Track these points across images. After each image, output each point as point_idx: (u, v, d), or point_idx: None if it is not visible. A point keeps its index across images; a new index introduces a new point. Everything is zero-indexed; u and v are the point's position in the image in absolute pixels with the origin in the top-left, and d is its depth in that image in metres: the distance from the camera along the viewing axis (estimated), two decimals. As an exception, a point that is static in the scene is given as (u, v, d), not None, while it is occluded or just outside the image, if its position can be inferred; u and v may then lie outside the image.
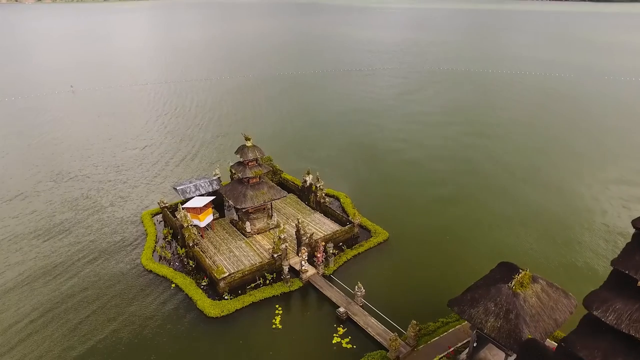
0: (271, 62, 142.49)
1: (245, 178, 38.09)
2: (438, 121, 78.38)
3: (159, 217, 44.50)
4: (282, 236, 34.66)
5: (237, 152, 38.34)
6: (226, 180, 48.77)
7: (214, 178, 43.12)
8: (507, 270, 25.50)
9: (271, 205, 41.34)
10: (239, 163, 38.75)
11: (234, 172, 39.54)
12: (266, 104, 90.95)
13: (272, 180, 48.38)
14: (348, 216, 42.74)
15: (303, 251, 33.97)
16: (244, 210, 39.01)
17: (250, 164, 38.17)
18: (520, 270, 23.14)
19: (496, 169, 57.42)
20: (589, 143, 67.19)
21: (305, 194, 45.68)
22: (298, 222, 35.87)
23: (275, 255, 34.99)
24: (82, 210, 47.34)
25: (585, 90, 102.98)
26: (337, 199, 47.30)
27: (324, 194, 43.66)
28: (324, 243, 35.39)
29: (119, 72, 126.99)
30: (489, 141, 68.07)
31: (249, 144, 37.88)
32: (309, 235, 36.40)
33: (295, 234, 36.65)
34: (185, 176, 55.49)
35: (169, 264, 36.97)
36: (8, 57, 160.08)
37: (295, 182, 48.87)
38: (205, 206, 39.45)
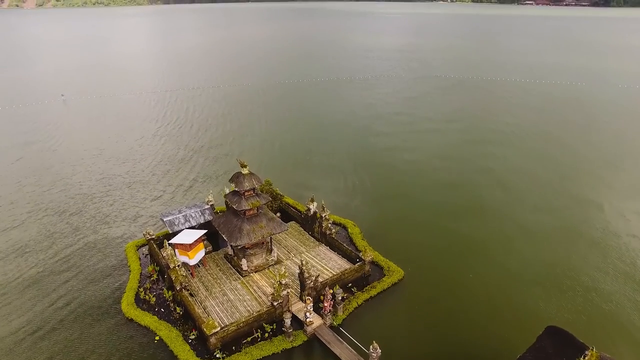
0: (271, 69, 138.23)
1: (241, 211, 33.37)
2: (449, 134, 73.59)
3: (146, 248, 39.81)
4: (284, 281, 29.87)
5: (231, 181, 33.65)
6: (222, 204, 44.12)
7: (206, 207, 38.39)
8: (560, 342, 20.71)
9: (270, 239, 36.58)
10: (234, 193, 34.04)
11: (228, 202, 34.81)
12: (266, 115, 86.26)
13: (272, 206, 43.69)
14: (357, 250, 38.01)
15: (308, 301, 29.14)
16: (240, 247, 34.26)
17: (246, 193, 33.46)
18: (586, 352, 18.32)
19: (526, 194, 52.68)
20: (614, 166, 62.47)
21: (309, 223, 40.93)
22: (302, 263, 31.07)
23: (275, 303, 30.18)
24: (60, 238, 42.53)
25: (601, 99, 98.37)
26: (344, 227, 42.51)
27: (329, 225, 38.89)
28: (331, 291, 30.59)
29: (114, 80, 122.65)
30: (505, 160, 63.38)
31: (245, 171, 33.18)
32: (313, 278, 31.62)
33: (299, 277, 31.85)
34: (178, 197, 50.78)
35: (153, 311, 32.13)
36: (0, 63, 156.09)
37: (298, 208, 44.14)
38: (196, 241, 34.70)
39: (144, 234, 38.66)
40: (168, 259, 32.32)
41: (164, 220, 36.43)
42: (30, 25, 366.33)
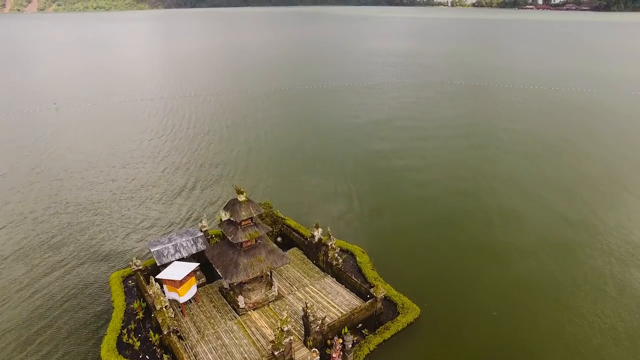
0: (272, 75, 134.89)
1: (238, 243, 29.55)
2: (459, 144, 69.81)
3: (134, 278, 35.96)
4: (286, 328, 25.99)
5: (226, 209, 29.86)
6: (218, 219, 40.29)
7: (199, 234, 34.55)
8: None
9: (271, 272, 32.72)
10: (230, 222, 30.23)
11: (223, 232, 30.98)
12: (266, 125, 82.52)
13: (272, 230, 39.87)
14: (367, 282, 34.11)
15: (314, 354, 25.25)
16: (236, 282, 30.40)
17: (243, 223, 29.66)
18: None
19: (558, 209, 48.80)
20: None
21: (313, 251, 37.07)
22: (306, 305, 27.19)
23: (276, 353, 26.27)
24: (38, 266, 38.68)
25: (615, 108, 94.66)
26: (352, 255, 38.59)
27: (336, 254, 35.02)
28: (340, 340, 26.69)
29: (110, 86, 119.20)
30: (521, 172, 59.53)
31: (241, 198, 29.38)
32: (319, 322, 27.73)
33: (303, 320, 27.98)
34: (172, 215, 46.95)
35: (137, 358, 28.21)
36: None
37: (301, 232, 40.24)
38: (188, 276, 30.82)
39: (129, 264, 34.81)
40: (154, 298, 28.48)
41: (152, 250, 32.59)
42: (30, 30, 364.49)
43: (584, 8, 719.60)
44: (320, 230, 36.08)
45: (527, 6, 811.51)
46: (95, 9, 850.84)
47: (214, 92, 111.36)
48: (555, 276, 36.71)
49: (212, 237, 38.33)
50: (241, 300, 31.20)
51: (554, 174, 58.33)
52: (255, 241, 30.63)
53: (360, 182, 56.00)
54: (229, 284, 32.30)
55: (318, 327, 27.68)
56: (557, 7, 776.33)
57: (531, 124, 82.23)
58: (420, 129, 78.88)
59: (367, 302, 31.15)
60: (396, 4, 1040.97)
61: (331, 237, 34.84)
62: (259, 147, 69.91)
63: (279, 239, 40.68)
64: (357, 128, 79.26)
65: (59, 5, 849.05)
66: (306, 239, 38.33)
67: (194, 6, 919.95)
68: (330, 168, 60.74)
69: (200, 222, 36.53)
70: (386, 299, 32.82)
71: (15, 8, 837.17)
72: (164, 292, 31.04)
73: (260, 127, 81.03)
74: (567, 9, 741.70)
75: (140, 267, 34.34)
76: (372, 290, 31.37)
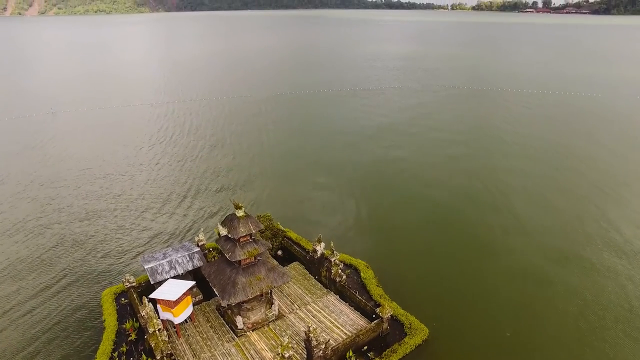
0: (272, 79, 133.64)
1: (236, 261, 27.89)
2: (465, 150, 68.19)
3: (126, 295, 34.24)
4: (287, 354, 24.26)
5: (223, 225, 28.20)
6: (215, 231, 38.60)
7: (195, 249, 32.86)
8: None
9: (271, 291, 31.01)
10: (228, 239, 28.57)
11: (220, 249, 29.30)
12: (266, 131, 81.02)
13: (272, 244, 38.21)
14: (372, 300, 32.37)
15: (317, 384, 23.56)
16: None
17: (242, 239, 28.01)
18: None
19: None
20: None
21: (316, 266, 35.38)
22: (308, 329, 25.48)
23: (276, 381, 24.56)
24: (28, 282, 36.99)
25: (622, 111, 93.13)
26: (356, 270, 36.86)
27: (339, 271, 33.32)
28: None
29: (109, 91, 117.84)
30: (532, 179, 57.85)
31: (240, 213, 27.74)
32: (323, 346, 26.02)
33: (305, 344, 26.28)
34: (170, 227, 45.27)
35: (128, 384, 26.53)
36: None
37: (302, 245, 38.53)
38: (183, 295, 29.14)
39: (122, 281, 33.12)
40: (147, 320, 26.79)
41: (145, 268, 30.90)
42: (30, 33, 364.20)
43: (583, 11, 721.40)
44: (322, 244, 34.41)
45: (527, 9, 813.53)
46: (95, 12, 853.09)
47: (214, 96, 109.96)
48: (577, 294, 34.84)
49: (209, 251, 36.71)
50: (239, 321, 29.50)
51: (569, 183, 56.55)
52: (255, 258, 28.96)
53: (363, 191, 54.28)
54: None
55: (321, 351, 25.97)
56: (557, 10, 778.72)
57: (540, 129, 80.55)
58: (424, 135, 77.23)
59: (373, 323, 29.42)
60: (396, 7, 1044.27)
61: (334, 252, 33.17)
62: (260, 155, 68.30)
63: (279, 252, 39.02)
64: (360, 134, 77.66)
65: (59, 8, 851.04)
66: (308, 252, 36.67)
67: (194, 9, 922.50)
68: (333, 176, 59.06)
69: (197, 236, 34.93)
70: (392, 318, 31.09)
71: (16, 11, 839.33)
72: (157, 312, 29.39)
73: (261, 133, 79.46)
74: (567, 12, 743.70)
75: (133, 284, 32.71)
76: (378, 310, 29.63)
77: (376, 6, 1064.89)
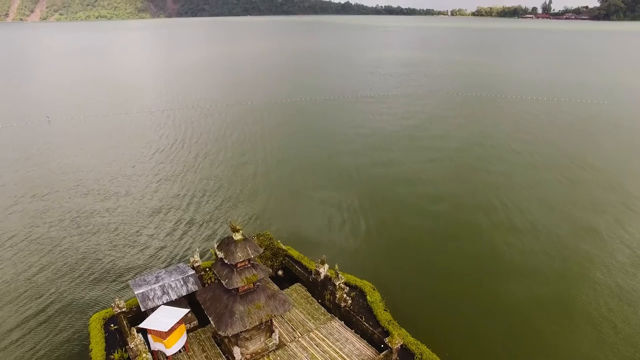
0: (272, 86, 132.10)
1: (233, 289, 25.71)
2: (473, 163, 66.14)
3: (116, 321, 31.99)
4: (288, 396, 22.01)
5: (220, 249, 26.05)
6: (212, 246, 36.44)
7: (190, 272, 30.68)
8: None
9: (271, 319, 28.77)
10: (224, 264, 26.41)
11: (216, 274, 27.11)
12: (266, 140, 79.08)
13: (272, 264, 36.03)
14: (379, 326, 30.09)
15: None
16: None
17: (240, 265, 25.85)
18: None
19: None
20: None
21: (319, 288, 33.17)
22: (312, 366, 23.27)
23: None
24: (15, 305, 34.79)
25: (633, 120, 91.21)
26: (362, 292, 34.53)
27: (344, 295, 31.10)
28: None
29: (107, 98, 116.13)
30: (544, 191, 55.66)
31: (237, 236, 25.59)
32: (328, 384, 23.77)
33: (308, 381, 24.04)
34: (169, 245, 43.07)
35: None
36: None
37: (304, 264, 36.30)
38: (177, 323, 26.93)
39: (112, 306, 30.88)
40: (136, 354, 24.56)
41: (136, 293, 28.72)
42: (30, 40, 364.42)
43: (583, 17, 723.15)
44: (326, 266, 32.23)
45: (527, 15, 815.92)
46: (97, 18, 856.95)
47: (214, 103, 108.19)
48: (605, 323, 32.53)
49: (205, 271, 34.48)
50: (237, 352, 27.22)
51: (588, 196, 54.33)
52: (253, 285, 26.79)
53: (368, 206, 51.90)
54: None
55: (326, 390, 23.71)
56: (556, 16, 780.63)
57: (552, 138, 78.37)
58: (430, 145, 74.69)
59: (381, 354, 27.18)
60: (396, 13, 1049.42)
61: (339, 275, 30.98)
62: (261, 165, 66.15)
63: (280, 272, 36.83)
64: (364, 144, 75.11)
65: (60, 14, 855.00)
66: (310, 273, 34.48)
67: (195, 15, 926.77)
68: (337, 189, 56.77)
69: (193, 256, 32.74)
70: (402, 347, 28.81)
71: (17, 17, 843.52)
72: (148, 342, 27.20)
73: (262, 142, 77.40)
74: (566, 18, 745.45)
75: (123, 310, 30.41)
76: (387, 340, 27.37)
77: (376, 12, 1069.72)
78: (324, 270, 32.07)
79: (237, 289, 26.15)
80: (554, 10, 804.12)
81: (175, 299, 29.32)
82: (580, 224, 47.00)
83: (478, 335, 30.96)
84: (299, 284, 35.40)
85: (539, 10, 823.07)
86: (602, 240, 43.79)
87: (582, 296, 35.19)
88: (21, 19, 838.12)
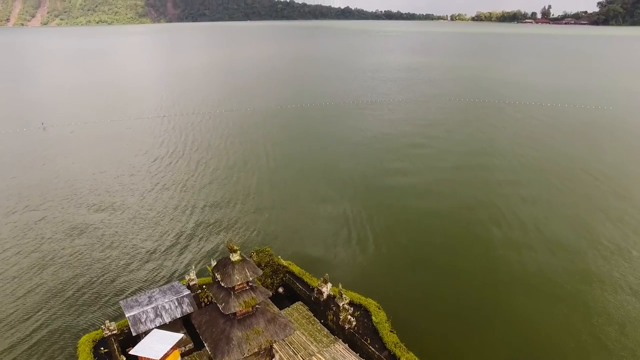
0: (273, 92, 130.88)
1: (231, 313, 23.99)
2: (479, 172, 64.45)
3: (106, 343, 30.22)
4: None
5: (216, 270, 24.36)
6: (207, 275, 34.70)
7: (185, 293, 28.96)
8: None
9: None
10: (220, 287, 24.72)
11: (212, 297, 25.39)
12: (267, 149, 77.40)
13: (273, 282, 34.31)
14: (387, 350, 28.33)
15: None
16: (227, 359, 24.68)
17: (237, 288, 24.16)
18: None
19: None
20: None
21: (322, 308, 31.43)
22: (315, 400, 21.52)
23: None
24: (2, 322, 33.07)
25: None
26: (366, 311, 32.76)
27: (348, 316, 29.37)
28: None
29: (105, 103, 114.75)
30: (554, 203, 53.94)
31: (235, 257, 23.91)
32: (333, 419, 22.00)
33: (311, 416, 22.26)
34: (160, 263, 41.25)
35: None
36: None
37: (306, 281, 34.56)
38: (171, 349, 25.21)
39: (102, 328, 29.14)
40: (125, 384, 22.81)
41: (127, 316, 27.00)
42: (30, 44, 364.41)
43: (582, 22, 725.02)
44: (329, 285, 30.54)
45: (527, 20, 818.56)
46: (97, 23, 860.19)
47: (215, 109, 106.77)
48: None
49: (202, 289, 32.76)
50: (234, 379, 25.46)
51: (598, 203, 52.75)
52: (252, 308, 25.07)
53: (372, 219, 49.69)
54: (220, 357, 26.56)
55: None
56: (555, 21, 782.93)
57: (557, 144, 76.76)
58: (434, 153, 72.71)
59: (389, 383, 25.42)
60: (396, 18, 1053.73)
61: (342, 295, 29.27)
62: (263, 175, 64.09)
63: (280, 289, 35.11)
64: (368, 153, 72.47)
65: (61, 19, 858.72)
66: (312, 290, 32.75)
67: (195, 20, 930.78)
68: (339, 200, 54.82)
69: (188, 274, 31.06)
70: (410, 374, 27.05)
71: (19, 22, 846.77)
72: (139, 370, 25.43)
73: (264, 149, 75.51)
74: (565, 23, 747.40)
75: (114, 332, 28.67)
76: (394, 366, 25.65)
77: (376, 17, 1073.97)
78: (327, 289, 30.38)
79: (235, 313, 24.44)
80: (553, 15, 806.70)
81: (169, 322, 27.59)
82: (604, 243, 45.21)
83: (493, 358, 29.17)
84: (300, 302, 33.63)
85: (539, 15, 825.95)
86: (624, 257, 42.07)
87: (602, 315, 33.43)
88: (22, 24, 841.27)
